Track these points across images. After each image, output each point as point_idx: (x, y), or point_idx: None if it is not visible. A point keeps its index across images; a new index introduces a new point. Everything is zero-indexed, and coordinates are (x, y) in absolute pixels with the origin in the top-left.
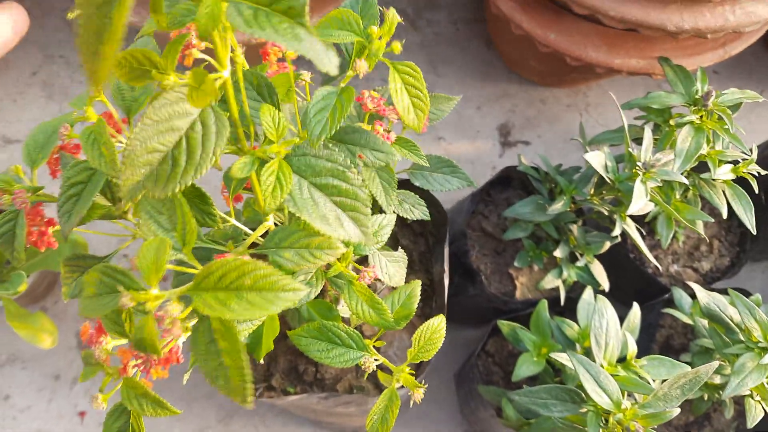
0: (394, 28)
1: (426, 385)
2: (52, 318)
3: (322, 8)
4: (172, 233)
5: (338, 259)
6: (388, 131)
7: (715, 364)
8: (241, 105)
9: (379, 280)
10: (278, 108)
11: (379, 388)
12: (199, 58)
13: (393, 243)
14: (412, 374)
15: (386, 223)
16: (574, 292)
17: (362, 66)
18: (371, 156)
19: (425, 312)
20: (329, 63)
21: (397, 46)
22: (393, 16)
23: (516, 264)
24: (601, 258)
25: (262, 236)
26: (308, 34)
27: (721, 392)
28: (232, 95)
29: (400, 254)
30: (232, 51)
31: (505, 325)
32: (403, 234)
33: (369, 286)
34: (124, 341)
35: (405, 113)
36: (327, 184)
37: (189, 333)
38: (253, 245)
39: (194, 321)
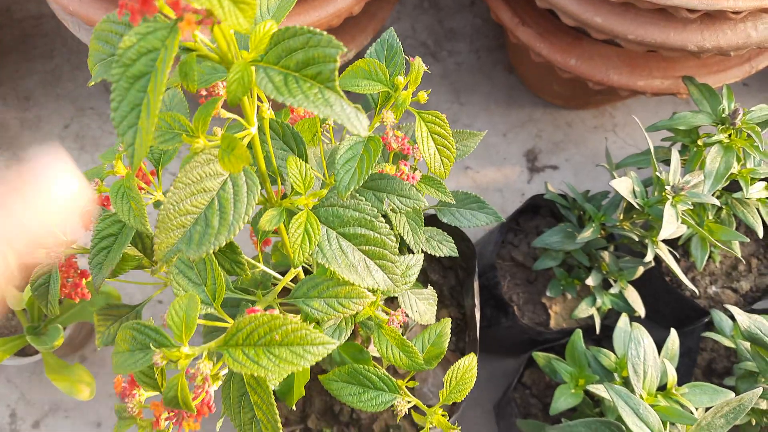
0: (420, 78)
1: (460, 428)
2: (91, 366)
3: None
4: (202, 287)
5: None
6: (414, 169)
7: (759, 390)
8: (268, 155)
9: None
10: (305, 158)
11: (416, 426)
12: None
13: (422, 278)
14: (445, 415)
15: (414, 264)
16: (610, 319)
17: (389, 117)
18: (399, 202)
19: (459, 346)
20: (359, 126)
21: (424, 96)
22: (419, 65)
23: (548, 293)
24: (636, 283)
25: (291, 281)
26: (338, 99)
27: None
28: (259, 150)
29: (430, 291)
30: (259, 102)
31: (540, 356)
32: (432, 269)
33: (399, 326)
34: (156, 393)
35: (431, 161)
36: (355, 234)
37: (220, 382)
38: (283, 290)
39: (225, 370)
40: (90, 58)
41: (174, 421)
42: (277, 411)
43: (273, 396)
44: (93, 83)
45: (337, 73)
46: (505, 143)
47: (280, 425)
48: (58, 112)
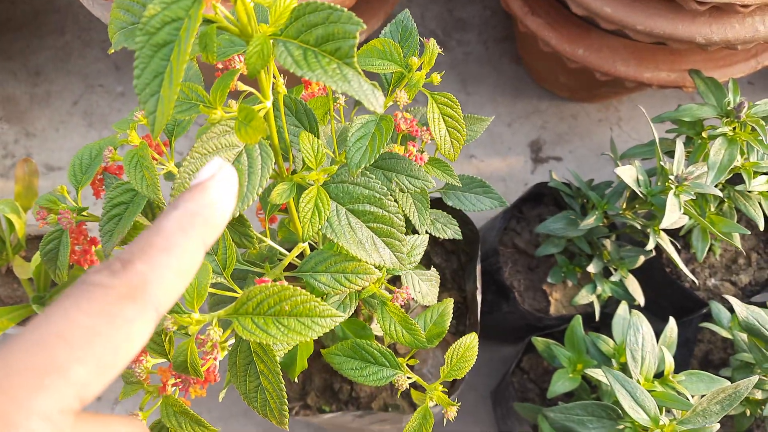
0: (434, 60)
1: (459, 404)
2: None
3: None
4: (213, 257)
5: None
6: (421, 152)
7: (755, 378)
8: (281, 130)
9: (413, 298)
10: (317, 134)
11: (414, 406)
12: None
13: (425, 261)
14: (445, 392)
15: (419, 244)
16: (609, 307)
17: (402, 97)
18: (407, 182)
19: (459, 330)
20: (375, 103)
21: (437, 78)
22: (433, 46)
23: (549, 280)
24: (636, 272)
25: (297, 257)
26: (356, 75)
27: (763, 407)
28: (273, 124)
29: (433, 273)
30: (274, 78)
31: (539, 341)
32: (436, 252)
33: (402, 304)
34: (163, 360)
35: (442, 142)
36: (364, 211)
37: (226, 352)
38: (289, 266)
39: (232, 340)
40: (110, 25)
41: (181, 387)
42: (282, 380)
43: (279, 365)
44: (113, 50)
45: (355, 49)
46: (509, 133)
47: (285, 393)
48: (68, 89)
